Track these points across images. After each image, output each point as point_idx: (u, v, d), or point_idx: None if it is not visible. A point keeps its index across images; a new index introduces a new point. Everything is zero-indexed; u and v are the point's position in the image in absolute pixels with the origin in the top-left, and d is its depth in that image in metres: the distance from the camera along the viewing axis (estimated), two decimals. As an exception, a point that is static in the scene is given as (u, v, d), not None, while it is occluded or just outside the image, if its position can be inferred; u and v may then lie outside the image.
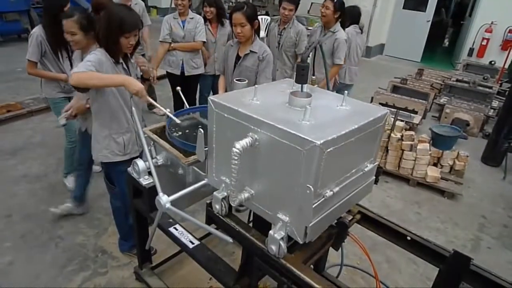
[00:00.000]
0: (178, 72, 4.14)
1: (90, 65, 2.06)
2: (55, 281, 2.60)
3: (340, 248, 1.89)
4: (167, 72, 4.27)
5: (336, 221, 1.70)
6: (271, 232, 1.40)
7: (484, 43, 8.64)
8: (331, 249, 1.87)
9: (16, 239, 2.95)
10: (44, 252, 2.84)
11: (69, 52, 3.15)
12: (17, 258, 2.77)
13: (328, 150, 1.20)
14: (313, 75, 1.98)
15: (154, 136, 2.13)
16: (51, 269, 2.69)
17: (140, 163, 2.03)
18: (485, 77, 6.60)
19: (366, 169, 1.52)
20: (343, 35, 3.83)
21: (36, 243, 2.92)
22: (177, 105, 4.24)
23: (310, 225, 1.30)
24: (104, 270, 2.72)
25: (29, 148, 4.08)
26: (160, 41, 4.05)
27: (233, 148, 1.30)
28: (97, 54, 2.15)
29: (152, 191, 1.91)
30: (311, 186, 1.21)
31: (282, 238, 1.38)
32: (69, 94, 3.27)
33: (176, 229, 1.99)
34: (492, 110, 5.98)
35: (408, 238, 1.75)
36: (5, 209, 3.27)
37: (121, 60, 2.28)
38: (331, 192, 1.31)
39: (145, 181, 2.04)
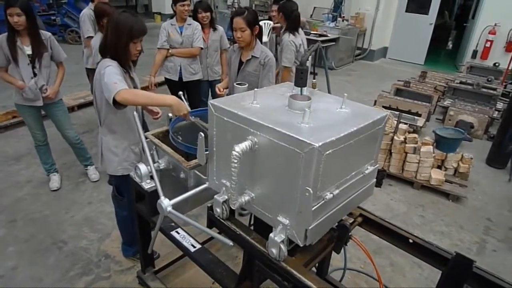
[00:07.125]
0: (176, 78, 4.13)
1: (122, 79, 2.05)
2: (58, 285, 2.61)
3: (343, 252, 1.88)
4: (165, 78, 4.25)
5: (337, 223, 1.69)
6: (271, 235, 1.39)
7: (488, 45, 8.60)
8: (335, 253, 1.86)
9: (20, 243, 2.97)
10: (48, 256, 2.85)
11: (32, 59, 3.13)
12: (20, 263, 2.78)
13: (327, 152, 1.19)
14: (314, 78, 1.98)
15: (156, 141, 2.13)
16: (54, 273, 2.70)
17: (142, 167, 2.04)
18: (489, 79, 6.57)
19: (366, 172, 1.51)
20: (286, 36, 3.82)
21: (39, 247, 2.94)
22: None
23: (310, 228, 1.29)
24: (107, 274, 2.73)
25: (33, 154, 4.09)
26: (158, 48, 4.06)
27: (233, 152, 1.30)
28: (113, 65, 2.11)
29: (154, 195, 1.91)
30: (310, 189, 1.20)
31: (282, 241, 1.37)
32: (32, 103, 3.27)
33: (178, 233, 1.99)
34: (496, 112, 5.95)
35: (410, 240, 1.73)
36: (9, 214, 3.29)
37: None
38: (331, 195, 1.30)
39: (147, 185, 2.05)
